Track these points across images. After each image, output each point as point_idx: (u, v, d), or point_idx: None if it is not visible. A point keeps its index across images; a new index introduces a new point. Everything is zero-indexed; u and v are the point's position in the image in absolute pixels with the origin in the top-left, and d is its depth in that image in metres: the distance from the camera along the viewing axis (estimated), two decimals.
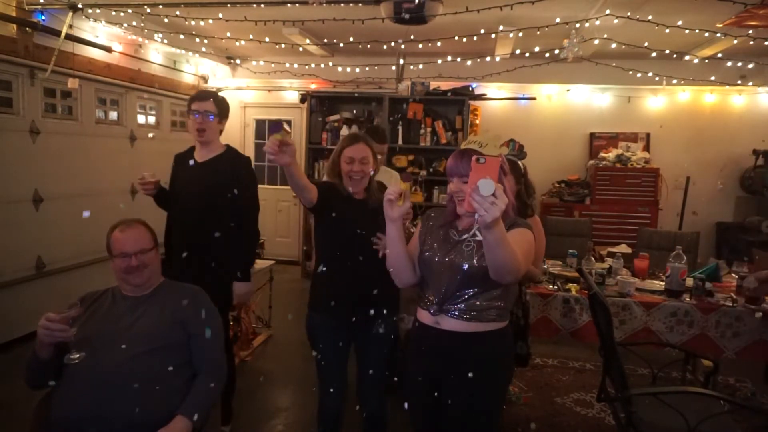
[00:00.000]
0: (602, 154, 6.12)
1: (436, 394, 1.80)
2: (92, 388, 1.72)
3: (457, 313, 1.72)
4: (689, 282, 3.13)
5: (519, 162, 2.63)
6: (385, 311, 2.28)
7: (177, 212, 2.66)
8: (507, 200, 1.34)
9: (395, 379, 2.52)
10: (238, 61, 6.75)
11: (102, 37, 4.82)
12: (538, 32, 4.19)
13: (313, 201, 2.16)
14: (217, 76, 6.85)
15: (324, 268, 2.28)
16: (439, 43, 4.73)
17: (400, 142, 5.79)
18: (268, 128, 7.04)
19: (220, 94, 2.94)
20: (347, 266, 2.21)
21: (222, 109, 2.67)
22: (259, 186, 2.87)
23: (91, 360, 1.78)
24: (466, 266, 1.68)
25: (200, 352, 1.91)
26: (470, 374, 1.71)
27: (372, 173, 2.29)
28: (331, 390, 2.30)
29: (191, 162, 2.63)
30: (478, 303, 1.71)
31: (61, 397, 1.76)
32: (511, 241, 1.49)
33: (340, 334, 2.25)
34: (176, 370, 1.84)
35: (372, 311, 2.22)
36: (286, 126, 1.85)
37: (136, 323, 1.88)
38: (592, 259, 3.50)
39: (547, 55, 5.07)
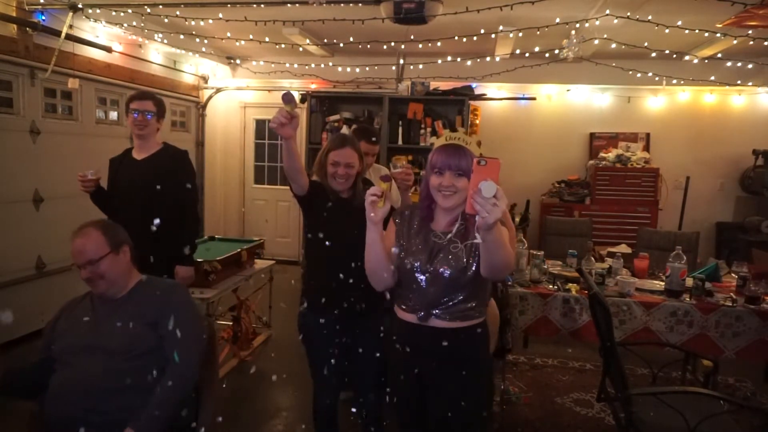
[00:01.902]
0: (602, 154, 6.12)
1: (421, 389, 1.79)
2: (78, 393, 1.71)
3: (442, 315, 1.72)
4: (689, 282, 3.13)
5: None
6: (376, 306, 2.28)
7: (122, 209, 2.74)
8: (507, 201, 1.36)
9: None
10: (238, 61, 6.75)
11: (102, 37, 4.82)
12: (538, 32, 4.20)
13: (305, 189, 2.15)
14: (217, 76, 6.84)
15: (314, 266, 2.28)
16: (439, 43, 4.73)
17: (400, 141, 5.78)
18: (268, 119, 7.05)
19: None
20: (336, 264, 2.20)
21: (160, 109, 2.88)
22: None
23: (75, 368, 1.76)
24: (448, 273, 1.68)
25: (168, 351, 1.80)
26: (455, 369, 1.73)
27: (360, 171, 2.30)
28: (326, 387, 2.30)
29: (132, 160, 2.83)
30: (464, 305, 1.71)
31: (51, 400, 1.76)
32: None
33: (333, 330, 2.25)
34: (159, 374, 1.78)
35: (363, 307, 2.22)
36: (297, 98, 1.81)
37: (114, 328, 1.81)
38: (592, 259, 3.49)
39: (547, 55, 5.07)
